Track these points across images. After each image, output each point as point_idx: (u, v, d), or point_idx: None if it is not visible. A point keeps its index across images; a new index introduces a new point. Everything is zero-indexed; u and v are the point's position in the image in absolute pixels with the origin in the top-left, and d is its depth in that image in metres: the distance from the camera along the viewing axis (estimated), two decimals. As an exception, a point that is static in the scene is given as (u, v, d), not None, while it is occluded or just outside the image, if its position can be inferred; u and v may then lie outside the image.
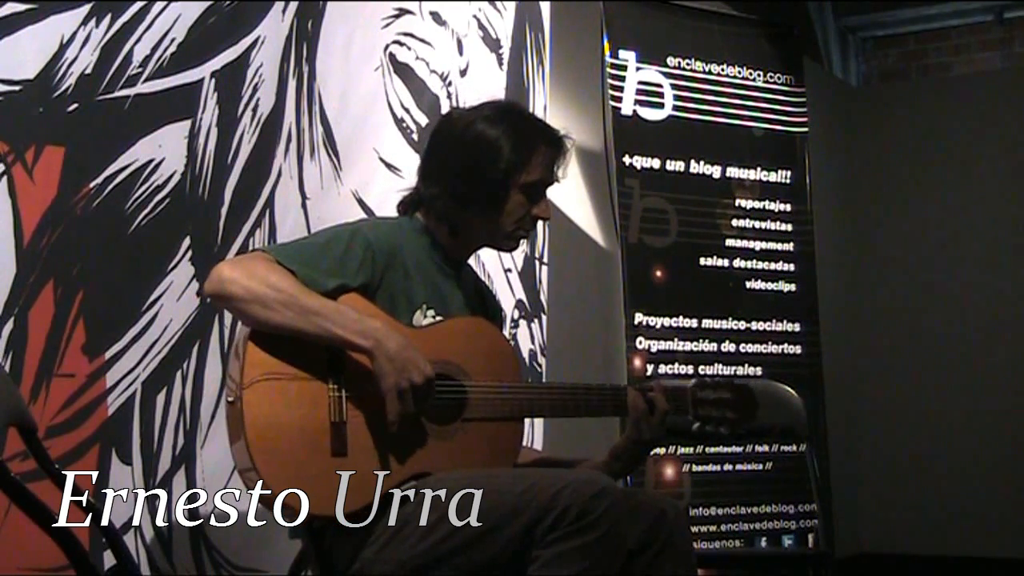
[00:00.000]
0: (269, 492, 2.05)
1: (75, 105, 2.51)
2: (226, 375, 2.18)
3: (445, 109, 3.38)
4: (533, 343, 3.73)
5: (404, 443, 2.15)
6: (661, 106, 4.42)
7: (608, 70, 4.28)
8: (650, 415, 2.30)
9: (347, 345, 2.11)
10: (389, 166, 3.22)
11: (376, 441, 2.13)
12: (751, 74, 4.66)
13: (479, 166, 2.26)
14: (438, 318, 2.28)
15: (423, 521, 2.09)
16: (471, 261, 2.49)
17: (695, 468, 4.31)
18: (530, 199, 2.30)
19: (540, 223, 2.54)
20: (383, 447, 2.13)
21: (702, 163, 4.50)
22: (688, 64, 4.49)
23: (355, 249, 2.19)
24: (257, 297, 2.07)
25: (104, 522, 2.16)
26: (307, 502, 2.06)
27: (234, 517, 2.71)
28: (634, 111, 4.35)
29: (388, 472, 2.13)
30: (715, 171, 4.53)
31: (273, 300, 2.07)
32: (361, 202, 3.14)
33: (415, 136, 3.33)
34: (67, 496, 2.05)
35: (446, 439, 2.19)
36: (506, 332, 3.53)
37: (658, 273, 4.33)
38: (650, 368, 4.16)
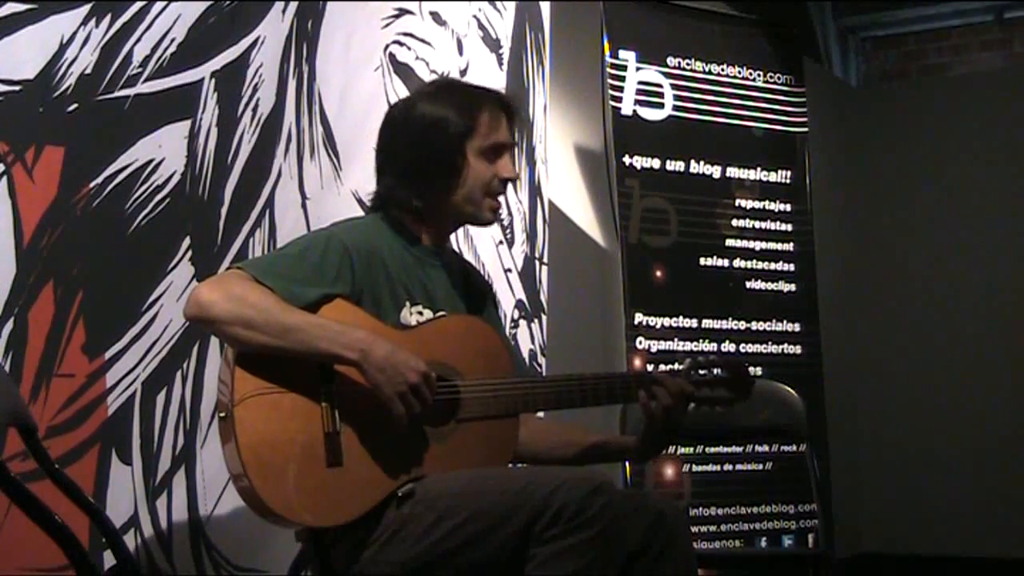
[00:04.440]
0: (265, 506, 2.06)
1: (75, 105, 2.51)
2: (217, 390, 2.16)
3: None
4: (533, 343, 3.73)
5: (400, 448, 2.14)
6: (661, 106, 4.42)
7: (608, 70, 4.28)
8: (670, 399, 2.30)
9: (334, 359, 2.09)
10: (389, 166, 3.22)
11: (372, 449, 2.12)
12: (751, 74, 4.66)
13: (429, 141, 2.25)
14: (426, 313, 2.27)
15: (422, 522, 2.09)
16: (469, 259, 2.48)
17: (695, 468, 4.31)
18: (489, 161, 2.29)
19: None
20: (379, 454, 2.12)
21: (702, 163, 4.50)
22: (688, 64, 4.50)
23: (331, 255, 2.18)
24: (239, 319, 2.05)
25: (104, 522, 2.16)
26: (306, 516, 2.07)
27: (234, 517, 2.71)
28: (634, 111, 4.35)
29: (386, 479, 2.13)
30: (715, 171, 4.53)
31: (254, 321, 2.05)
32: (361, 202, 3.14)
33: (415, 136, 3.32)
34: (67, 496, 2.05)
35: (442, 441, 2.19)
36: (503, 319, 3.53)
37: (658, 273, 4.34)
38: (650, 368, 4.16)
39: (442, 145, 2.26)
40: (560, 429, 2.49)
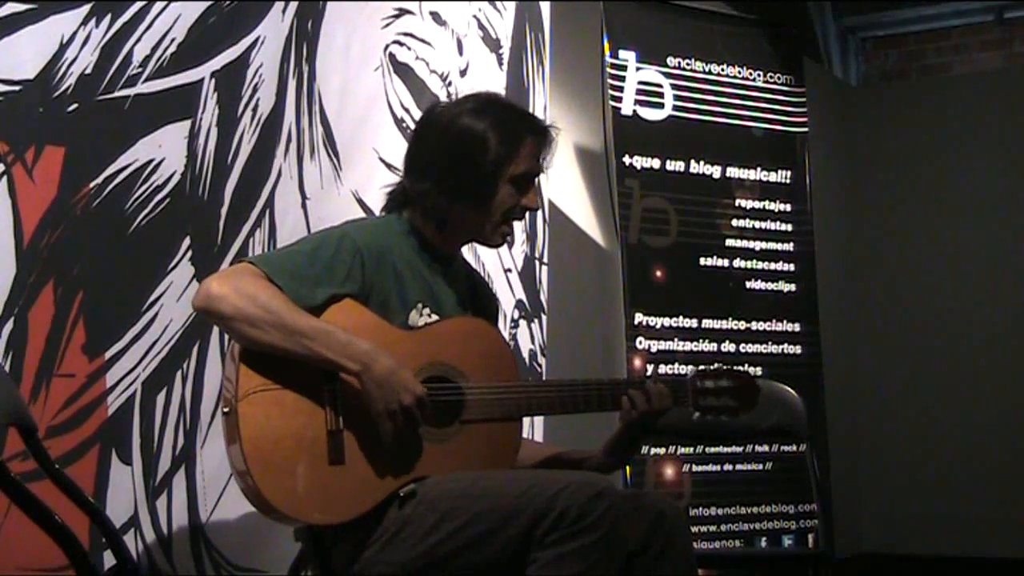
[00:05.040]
0: (266, 502, 2.06)
1: (75, 105, 2.51)
2: (222, 382, 2.17)
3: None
4: (533, 343, 3.73)
5: (402, 449, 2.14)
6: (661, 106, 4.42)
7: (608, 70, 4.28)
8: (647, 410, 2.28)
9: (335, 368, 2.10)
10: (389, 166, 3.22)
11: (374, 448, 2.12)
12: (751, 74, 4.66)
13: (468, 160, 2.25)
14: (434, 316, 2.27)
15: (423, 523, 2.09)
16: (470, 259, 2.48)
17: (695, 468, 4.31)
18: (519, 190, 2.30)
19: (528, 213, 2.52)
20: (381, 454, 2.13)
21: (702, 163, 4.50)
22: (688, 64, 4.50)
23: (343, 255, 2.18)
24: (246, 316, 2.06)
25: (104, 522, 2.16)
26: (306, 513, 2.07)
27: (234, 517, 2.71)
28: (634, 111, 4.35)
29: (387, 478, 2.13)
30: (715, 171, 4.53)
31: (262, 320, 2.06)
32: (361, 202, 3.14)
33: (415, 136, 3.32)
34: (67, 496, 2.05)
35: (444, 442, 2.19)
36: (502, 324, 3.53)
37: (658, 273, 4.33)
38: (650, 368, 4.16)
39: (480, 168, 2.25)
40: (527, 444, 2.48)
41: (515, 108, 2.41)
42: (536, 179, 2.35)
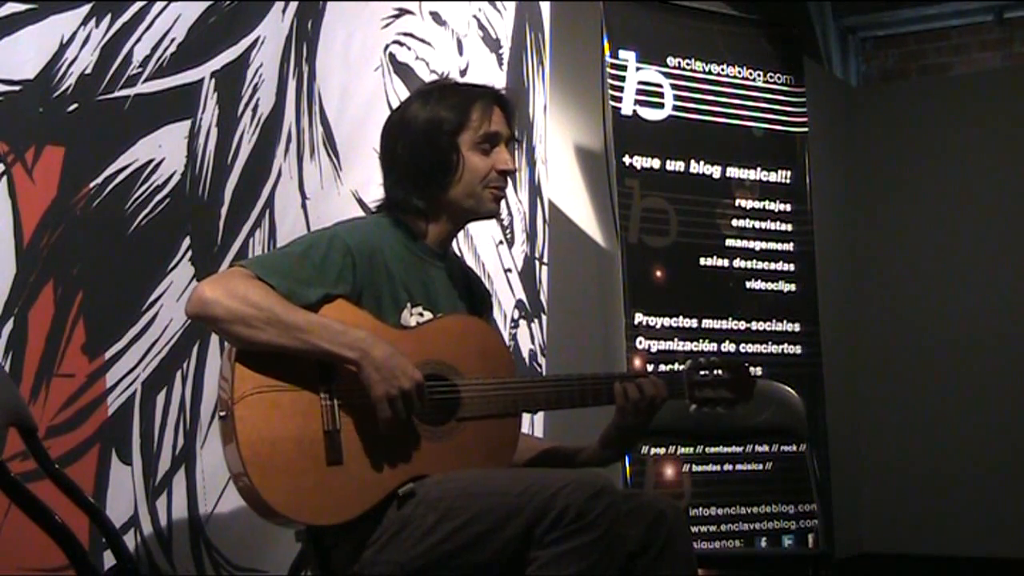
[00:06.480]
0: (265, 504, 2.06)
1: (75, 105, 2.51)
2: (218, 387, 2.17)
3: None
4: (533, 343, 3.73)
5: (400, 447, 2.14)
6: (661, 106, 4.42)
7: (608, 70, 4.28)
8: (639, 399, 2.28)
9: (333, 358, 2.10)
10: (389, 166, 3.22)
11: (371, 447, 2.12)
12: (751, 74, 4.66)
13: (426, 142, 2.28)
14: (426, 315, 2.27)
15: (422, 523, 2.08)
16: (469, 259, 2.48)
17: (695, 468, 4.31)
18: (485, 154, 2.30)
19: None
20: (378, 453, 2.13)
21: (702, 163, 4.50)
22: (688, 64, 4.50)
23: (334, 255, 2.18)
24: (240, 317, 2.06)
25: (104, 522, 2.16)
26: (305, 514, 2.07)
27: (234, 517, 2.71)
28: (634, 111, 4.35)
29: (386, 478, 2.13)
30: (715, 171, 4.53)
31: (256, 319, 2.06)
32: (361, 202, 3.14)
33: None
34: (67, 496, 2.06)
35: (441, 440, 2.19)
36: (503, 324, 3.53)
37: (658, 273, 4.34)
38: (650, 368, 4.16)
39: (435, 142, 2.27)
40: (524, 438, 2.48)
41: (457, 83, 2.46)
42: (500, 140, 2.32)
